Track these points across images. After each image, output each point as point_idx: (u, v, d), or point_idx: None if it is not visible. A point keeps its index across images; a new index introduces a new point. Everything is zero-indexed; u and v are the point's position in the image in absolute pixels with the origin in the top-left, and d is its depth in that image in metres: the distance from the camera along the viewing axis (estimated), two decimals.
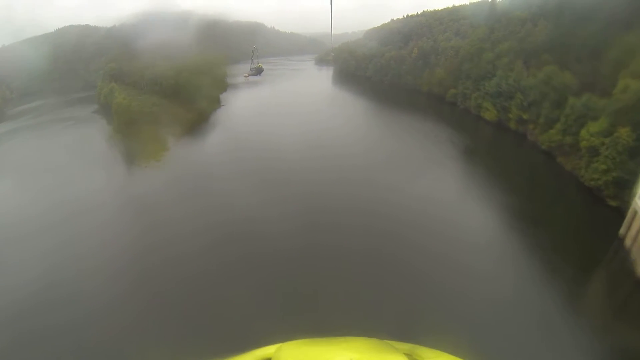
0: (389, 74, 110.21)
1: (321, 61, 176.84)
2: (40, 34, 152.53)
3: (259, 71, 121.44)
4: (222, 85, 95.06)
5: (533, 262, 30.46)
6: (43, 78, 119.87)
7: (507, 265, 30.17)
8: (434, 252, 30.96)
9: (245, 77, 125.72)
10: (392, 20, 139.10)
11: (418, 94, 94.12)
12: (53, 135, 68.16)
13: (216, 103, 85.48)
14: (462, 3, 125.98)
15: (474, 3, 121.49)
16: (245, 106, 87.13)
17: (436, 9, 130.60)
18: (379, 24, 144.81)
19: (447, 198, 41.87)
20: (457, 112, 76.17)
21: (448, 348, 4.73)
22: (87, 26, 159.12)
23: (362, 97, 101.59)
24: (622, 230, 33.01)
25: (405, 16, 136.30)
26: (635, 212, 31.42)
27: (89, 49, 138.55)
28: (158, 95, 73.12)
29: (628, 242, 31.56)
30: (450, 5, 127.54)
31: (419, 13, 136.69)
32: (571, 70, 55.21)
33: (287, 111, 79.57)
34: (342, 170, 48.36)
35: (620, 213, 35.37)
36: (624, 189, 36.86)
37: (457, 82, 78.20)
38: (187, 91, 72.21)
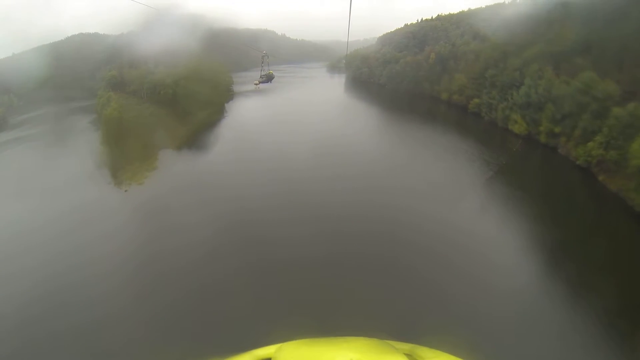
0: (404, 80, 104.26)
1: (333, 68, 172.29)
2: (48, 42, 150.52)
3: (269, 78, 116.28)
4: (227, 93, 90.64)
5: (576, 310, 25.00)
6: (50, 86, 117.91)
7: (542, 314, 24.56)
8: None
9: (256, 84, 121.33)
10: (406, 25, 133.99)
11: (437, 102, 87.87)
12: (39, 148, 64.39)
13: (220, 113, 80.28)
14: (477, 6, 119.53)
15: (490, 6, 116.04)
16: (251, 116, 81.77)
17: (451, 13, 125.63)
18: (392, 30, 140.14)
19: (469, 222, 36.40)
20: (482, 125, 69.75)
21: (448, 348, 4.45)
22: (95, 34, 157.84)
23: (377, 105, 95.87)
24: None
25: (419, 20, 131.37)
26: None
27: (96, 57, 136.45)
28: (158, 104, 69.09)
29: None
30: (465, 9, 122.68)
31: (433, 17, 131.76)
32: (609, 76, 49.51)
33: (295, 121, 74.19)
34: (356, 192, 43.11)
35: None
36: None
37: (480, 90, 72.21)
38: (186, 100, 67.72)
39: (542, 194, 43.64)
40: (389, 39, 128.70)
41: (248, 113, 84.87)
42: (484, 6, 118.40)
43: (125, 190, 43.89)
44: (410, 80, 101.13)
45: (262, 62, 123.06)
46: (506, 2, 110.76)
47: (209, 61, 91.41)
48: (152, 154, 52.07)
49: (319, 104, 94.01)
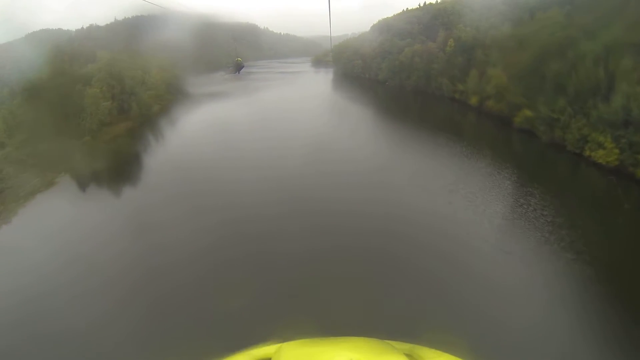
0: (412, 75, 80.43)
1: (319, 63, 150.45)
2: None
3: (238, 67, 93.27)
4: (164, 98, 67.00)
5: None
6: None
7: None
8: None
9: (230, 71, 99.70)
10: (407, 10, 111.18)
11: (461, 108, 63.29)
12: None
13: (139, 130, 54.20)
14: None
15: None
16: (199, 129, 55.66)
17: None
18: (390, 16, 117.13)
19: None
20: (538, 148, 44.79)
21: (448, 348, 4.26)
22: (59, 30, 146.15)
23: (375, 112, 70.18)
24: None
25: (421, 5, 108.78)
26: None
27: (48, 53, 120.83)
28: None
29: None
30: None
31: (439, 1, 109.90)
32: None
33: (259, 146, 46.07)
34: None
35: None
36: None
37: (533, 96, 47.67)
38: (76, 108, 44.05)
39: None
40: (387, 26, 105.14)
41: (196, 126, 58.46)
42: None
43: None
44: (420, 75, 77.63)
45: (231, 49, 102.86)
46: None
47: (140, 55, 69.67)
48: None
49: (299, 109, 68.10)
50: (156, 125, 57.55)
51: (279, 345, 4.37)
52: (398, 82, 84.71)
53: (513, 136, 49.85)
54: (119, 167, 41.08)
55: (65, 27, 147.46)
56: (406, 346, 4.52)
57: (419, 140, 49.36)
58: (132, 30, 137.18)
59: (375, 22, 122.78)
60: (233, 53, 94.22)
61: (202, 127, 56.72)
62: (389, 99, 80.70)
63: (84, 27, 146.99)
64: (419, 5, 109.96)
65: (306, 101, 75.68)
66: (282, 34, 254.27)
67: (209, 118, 61.61)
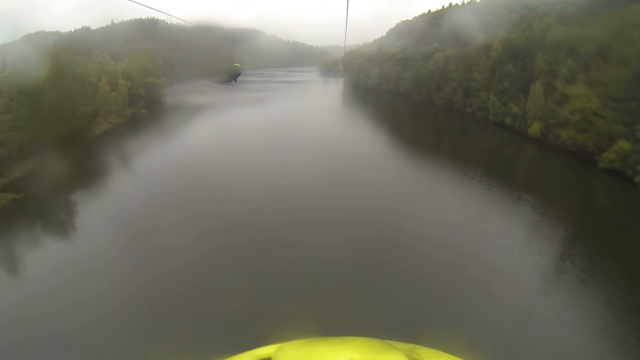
0: (444, 87, 64.06)
1: (328, 72, 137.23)
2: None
3: (233, 75, 78.93)
4: (132, 110, 53.41)
5: None
6: None
7: None
8: None
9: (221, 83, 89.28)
10: (428, 12, 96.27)
11: (515, 139, 46.28)
12: None
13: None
14: None
15: None
16: (140, 174, 37.22)
17: None
18: (410, 18, 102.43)
19: None
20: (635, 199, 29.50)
21: (448, 348, 4.19)
22: (56, 32, 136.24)
23: (401, 142, 49.33)
24: None
25: (445, 7, 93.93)
26: None
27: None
28: None
29: None
30: None
31: (465, 2, 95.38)
32: None
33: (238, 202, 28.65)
34: None
35: None
36: None
37: (633, 124, 32.57)
38: None
39: None
40: (408, 29, 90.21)
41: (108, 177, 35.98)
42: None
43: None
44: (455, 87, 61.07)
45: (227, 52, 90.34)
46: None
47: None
48: None
49: (301, 137, 49.71)
50: (82, 164, 37.63)
51: (279, 345, 4.26)
52: (425, 96, 68.71)
53: (596, 181, 33.95)
54: None
55: (66, 30, 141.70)
56: (406, 346, 4.47)
57: (461, 190, 32.84)
58: (126, 34, 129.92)
59: (392, 26, 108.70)
60: (228, 56, 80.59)
61: (146, 168, 38.86)
62: (415, 120, 64.68)
63: (75, 29, 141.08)
64: (443, 6, 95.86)
65: (316, 116, 60.21)
66: (289, 41, 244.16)
67: (167, 147, 44.86)
